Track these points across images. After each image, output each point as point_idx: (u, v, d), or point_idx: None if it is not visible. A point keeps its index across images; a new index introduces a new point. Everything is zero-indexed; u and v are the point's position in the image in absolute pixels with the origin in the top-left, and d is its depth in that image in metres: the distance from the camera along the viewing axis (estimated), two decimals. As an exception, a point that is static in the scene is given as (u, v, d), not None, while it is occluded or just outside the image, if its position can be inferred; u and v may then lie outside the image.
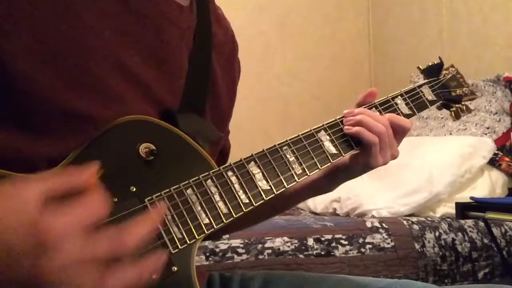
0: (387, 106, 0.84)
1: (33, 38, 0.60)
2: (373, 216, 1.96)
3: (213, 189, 0.65)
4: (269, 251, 1.57)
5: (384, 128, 0.78)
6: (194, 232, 0.62)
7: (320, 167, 0.74)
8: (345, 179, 0.84)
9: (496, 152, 2.13)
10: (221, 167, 0.67)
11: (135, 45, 0.68)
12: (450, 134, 2.37)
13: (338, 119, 0.79)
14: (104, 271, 0.47)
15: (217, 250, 1.51)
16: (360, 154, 0.79)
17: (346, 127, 0.79)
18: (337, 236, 1.69)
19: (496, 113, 2.26)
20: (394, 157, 0.80)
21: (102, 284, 0.47)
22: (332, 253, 1.64)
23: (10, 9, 0.60)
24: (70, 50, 0.62)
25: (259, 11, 3.07)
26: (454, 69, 0.98)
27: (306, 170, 0.73)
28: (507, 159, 2.13)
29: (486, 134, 2.23)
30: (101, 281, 0.47)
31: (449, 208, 1.98)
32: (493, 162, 2.12)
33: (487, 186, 2.07)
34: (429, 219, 1.92)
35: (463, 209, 1.67)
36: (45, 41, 0.61)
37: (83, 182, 0.49)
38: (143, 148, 0.63)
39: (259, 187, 0.68)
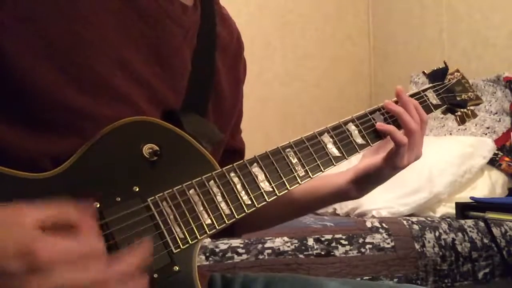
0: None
1: (35, 34, 0.60)
2: (373, 216, 1.96)
3: (216, 190, 0.65)
4: (269, 251, 1.57)
5: (419, 127, 0.80)
6: (196, 232, 0.62)
7: (323, 170, 0.74)
8: (375, 184, 0.85)
9: (496, 152, 2.13)
10: (223, 168, 0.67)
11: (138, 44, 0.68)
12: (450, 134, 2.37)
13: (342, 121, 0.80)
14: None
15: (217, 250, 1.51)
16: (388, 153, 0.80)
17: (378, 124, 0.81)
18: (337, 236, 1.69)
19: (496, 113, 2.26)
20: (417, 157, 0.82)
21: None
22: (332, 253, 1.64)
23: (13, 6, 0.60)
24: (72, 47, 0.62)
25: (259, 11, 3.06)
26: (459, 73, 0.98)
27: (309, 173, 0.73)
28: (507, 159, 2.13)
29: (486, 134, 2.23)
30: None
31: (449, 208, 1.98)
32: (493, 162, 2.12)
33: (487, 186, 2.07)
34: (429, 219, 1.92)
35: (463, 209, 1.67)
36: (47, 37, 0.61)
37: (80, 219, 0.50)
38: (147, 148, 0.63)
39: (261, 188, 0.68)
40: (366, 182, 0.84)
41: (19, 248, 0.45)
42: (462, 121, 0.94)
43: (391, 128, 0.79)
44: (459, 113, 0.95)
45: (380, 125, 0.81)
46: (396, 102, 0.84)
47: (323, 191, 0.87)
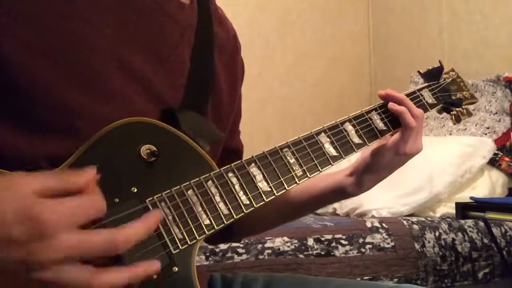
0: (386, 109, 0.84)
1: (32, 32, 0.60)
2: (373, 216, 1.96)
3: (214, 190, 0.65)
4: (269, 251, 1.57)
5: (422, 113, 0.82)
6: (195, 233, 0.62)
7: (320, 170, 0.74)
8: (373, 175, 0.84)
9: (496, 152, 2.13)
10: (221, 168, 0.67)
11: (136, 41, 0.68)
12: (450, 134, 2.37)
13: (338, 121, 0.80)
14: (94, 272, 0.48)
15: (217, 250, 1.51)
16: (393, 139, 0.80)
17: (391, 103, 0.82)
18: (337, 236, 1.69)
19: (496, 113, 2.26)
20: (418, 149, 0.82)
21: (89, 284, 0.47)
22: (332, 253, 1.64)
23: (10, 4, 0.60)
24: (70, 45, 0.62)
25: (259, 11, 3.06)
26: (454, 73, 0.98)
27: (307, 172, 0.73)
28: (507, 159, 2.13)
29: (486, 134, 2.23)
30: (88, 281, 0.47)
31: (449, 208, 1.98)
32: (493, 162, 2.12)
33: (487, 186, 2.07)
34: (429, 219, 1.92)
35: (463, 209, 1.67)
36: (44, 36, 0.61)
37: (82, 184, 0.50)
38: (145, 149, 0.63)
39: (259, 188, 0.68)
40: (364, 172, 0.83)
41: (19, 213, 0.45)
42: (457, 120, 0.95)
43: (402, 108, 0.81)
44: (454, 112, 0.95)
45: (392, 104, 0.82)
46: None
47: (319, 186, 0.86)
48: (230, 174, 0.67)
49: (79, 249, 0.47)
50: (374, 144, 0.82)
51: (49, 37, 0.61)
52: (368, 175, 0.83)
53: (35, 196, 0.46)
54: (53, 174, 0.49)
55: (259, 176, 0.69)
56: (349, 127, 0.80)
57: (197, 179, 0.65)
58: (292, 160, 0.72)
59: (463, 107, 0.96)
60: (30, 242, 0.45)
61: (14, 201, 0.45)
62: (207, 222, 0.63)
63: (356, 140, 0.79)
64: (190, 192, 0.64)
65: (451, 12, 2.79)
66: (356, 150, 0.79)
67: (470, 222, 1.89)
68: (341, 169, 0.87)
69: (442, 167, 2.02)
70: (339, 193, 0.86)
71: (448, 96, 0.94)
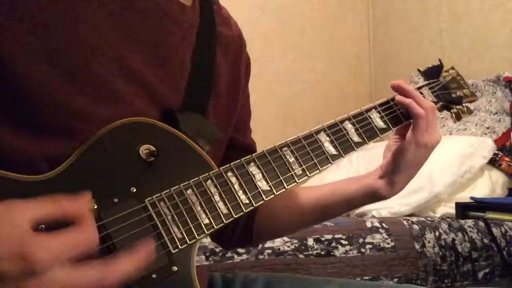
0: (386, 107, 0.84)
1: (34, 34, 0.60)
2: (373, 216, 1.96)
3: (213, 189, 0.65)
4: (269, 251, 1.57)
5: (432, 104, 0.82)
6: (194, 232, 0.62)
7: (320, 168, 0.74)
8: (404, 173, 0.84)
9: (496, 152, 2.13)
10: (220, 168, 0.67)
11: (136, 43, 0.68)
12: (450, 134, 2.37)
13: (338, 120, 0.80)
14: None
15: (217, 250, 1.51)
16: (408, 131, 0.81)
17: (398, 96, 0.83)
18: (337, 236, 1.69)
19: (496, 113, 2.26)
20: (437, 140, 0.82)
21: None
22: (332, 253, 1.64)
23: (11, 6, 0.60)
24: (71, 47, 0.62)
25: (259, 11, 3.06)
26: (454, 71, 0.98)
27: (306, 171, 0.73)
28: (507, 159, 2.13)
29: (486, 134, 2.23)
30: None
31: (449, 208, 1.98)
32: (493, 162, 2.12)
33: (487, 186, 2.07)
34: (429, 219, 1.92)
35: (463, 209, 1.66)
36: (45, 38, 0.61)
37: (77, 213, 0.50)
38: (144, 149, 0.63)
39: (259, 187, 0.68)
40: (394, 173, 0.84)
41: (12, 248, 0.45)
42: (458, 117, 0.95)
43: (409, 100, 0.82)
44: (454, 110, 0.95)
45: (399, 97, 0.83)
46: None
47: (350, 189, 0.87)
48: (229, 174, 0.67)
49: (71, 286, 0.47)
50: (394, 146, 0.84)
51: (51, 39, 0.61)
52: (399, 174, 0.84)
53: (28, 229, 0.46)
54: (49, 202, 0.49)
55: (258, 175, 0.69)
56: (348, 125, 0.80)
57: (196, 178, 0.65)
58: (291, 159, 0.72)
59: (464, 105, 0.96)
60: (21, 278, 0.45)
61: (9, 236, 0.45)
62: (207, 221, 0.63)
63: (356, 138, 0.79)
64: (189, 191, 0.64)
65: (451, 12, 2.79)
66: (355, 149, 0.79)
67: (470, 222, 1.89)
68: (368, 172, 0.88)
69: (442, 167, 2.02)
70: (370, 196, 0.87)
71: (448, 94, 0.94)
